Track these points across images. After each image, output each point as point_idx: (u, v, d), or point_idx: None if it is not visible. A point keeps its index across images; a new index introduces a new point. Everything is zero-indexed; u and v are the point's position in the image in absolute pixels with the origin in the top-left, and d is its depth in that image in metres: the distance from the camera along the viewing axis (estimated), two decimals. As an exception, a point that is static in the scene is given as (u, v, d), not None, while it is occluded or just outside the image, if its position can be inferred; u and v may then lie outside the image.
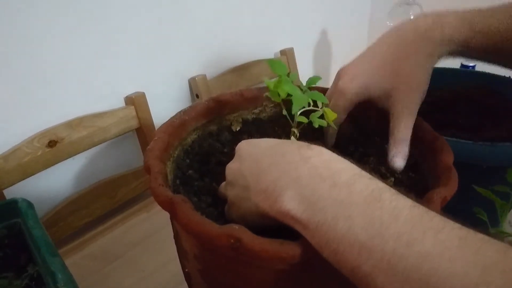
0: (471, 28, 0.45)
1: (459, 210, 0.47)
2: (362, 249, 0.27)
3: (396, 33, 0.46)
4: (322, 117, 0.41)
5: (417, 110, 0.44)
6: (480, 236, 0.26)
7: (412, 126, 0.43)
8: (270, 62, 0.39)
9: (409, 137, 0.43)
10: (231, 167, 0.39)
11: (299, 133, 0.41)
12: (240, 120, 0.54)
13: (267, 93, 0.40)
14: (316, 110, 0.41)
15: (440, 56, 0.45)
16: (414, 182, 0.45)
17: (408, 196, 0.30)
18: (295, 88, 0.38)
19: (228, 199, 0.40)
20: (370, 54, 0.46)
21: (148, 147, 0.42)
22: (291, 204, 0.31)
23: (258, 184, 0.34)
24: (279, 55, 1.30)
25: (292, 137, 0.40)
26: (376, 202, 0.29)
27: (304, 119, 0.40)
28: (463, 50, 0.46)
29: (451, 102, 0.71)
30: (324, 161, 0.33)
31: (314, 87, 0.48)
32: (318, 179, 0.31)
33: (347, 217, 0.29)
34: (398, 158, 0.43)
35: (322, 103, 0.41)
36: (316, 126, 0.39)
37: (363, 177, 0.31)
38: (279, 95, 0.38)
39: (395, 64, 0.43)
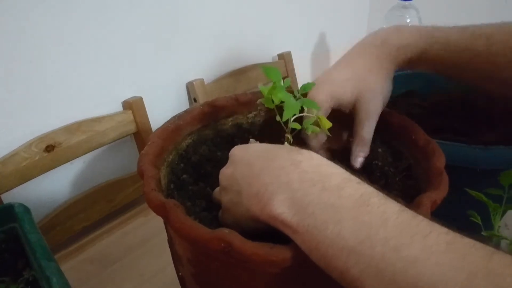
0: (428, 37, 0.49)
1: (453, 213, 0.48)
2: (351, 253, 0.28)
3: (363, 45, 0.50)
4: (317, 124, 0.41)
5: (378, 115, 0.47)
6: (467, 240, 0.26)
7: (373, 128, 0.47)
8: (265, 68, 0.39)
9: (371, 138, 0.47)
10: (225, 172, 0.39)
11: (293, 138, 0.42)
12: (235, 124, 0.55)
13: (260, 100, 0.40)
14: (309, 116, 0.41)
15: (399, 64, 0.49)
16: (406, 186, 0.45)
17: (396, 200, 0.30)
18: (288, 95, 0.38)
19: (222, 204, 0.40)
20: (340, 65, 0.50)
21: (142, 151, 0.43)
22: (281, 208, 0.32)
23: (249, 188, 0.35)
24: (277, 59, 1.30)
25: (286, 143, 0.41)
26: (365, 206, 0.29)
27: (297, 126, 0.40)
28: (421, 59, 0.49)
29: (447, 106, 0.71)
30: (314, 166, 0.33)
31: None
32: (308, 184, 0.32)
33: (336, 221, 0.29)
34: (361, 158, 0.48)
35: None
36: (309, 132, 0.39)
37: (352, 181, 0.32)
38: (272, 101, 0.38)
39: (360, 75, 0.47)
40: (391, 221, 0.28)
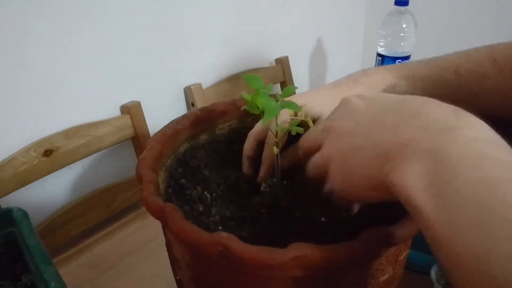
0: (395, 74, 0.51)
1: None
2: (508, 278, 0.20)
3: (338, 81, 0.52)
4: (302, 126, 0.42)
5: None
6: None
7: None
8: (246, 77, 0.39)
9: (292, 159, 0.46)
10: (339, 127, 0.34)
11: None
12: (233, 129, 0.55)
13: (244, 107, 0.41)
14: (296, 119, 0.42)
15: None
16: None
17: None
18: (270, 100, 0.38)
19: (321, 153, 0.34)
20: (315, 90, 0.52)
21: (140, 156, 0.43)
22: (413, 177, 0.25)
23: (376, 146, 0.29)
24: (275, 63, 1.31)
25: (274, 147, 0.41)
26: None
27: (281, 128, 0.41)
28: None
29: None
30: (476, 140, 0.25)
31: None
32: (463, 164, 0.24)
33: (494, 232, 0.21)
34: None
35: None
36: (294, 134, 0.40)
37: None
38: (258, 107, 0.38)
39: (328, 102, 0.47)
40: None
